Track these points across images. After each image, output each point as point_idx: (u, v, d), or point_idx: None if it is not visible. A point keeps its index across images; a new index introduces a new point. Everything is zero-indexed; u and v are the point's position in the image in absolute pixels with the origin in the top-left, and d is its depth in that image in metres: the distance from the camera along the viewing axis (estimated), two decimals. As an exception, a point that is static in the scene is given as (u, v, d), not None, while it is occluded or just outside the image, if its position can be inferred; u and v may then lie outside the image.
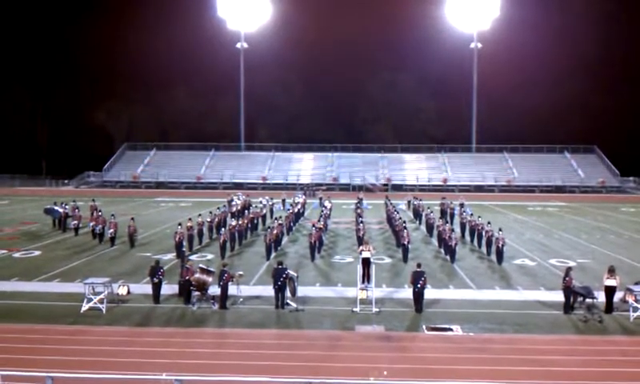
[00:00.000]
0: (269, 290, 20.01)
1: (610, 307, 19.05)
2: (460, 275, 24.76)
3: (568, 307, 18.88)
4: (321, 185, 73.65)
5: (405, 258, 27.37)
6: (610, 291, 19.19)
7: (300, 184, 75.14)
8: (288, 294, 19.53)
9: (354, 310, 18.94)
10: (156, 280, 19.81)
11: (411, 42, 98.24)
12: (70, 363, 14.43)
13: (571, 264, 25.00)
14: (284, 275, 19.24)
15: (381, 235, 36.18)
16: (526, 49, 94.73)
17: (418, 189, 73.49)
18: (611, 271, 19.40)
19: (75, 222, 35.16)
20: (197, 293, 19.66)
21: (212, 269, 20.46)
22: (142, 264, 25.64)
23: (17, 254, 28.88)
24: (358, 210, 38.94)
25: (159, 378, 12.72)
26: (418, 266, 19.64)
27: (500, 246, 26.78)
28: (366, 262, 21.60)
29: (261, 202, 42.60)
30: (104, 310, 18.62)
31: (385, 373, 14.13)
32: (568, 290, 18.88)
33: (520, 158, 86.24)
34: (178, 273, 21.77)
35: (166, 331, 17.10)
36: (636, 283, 20.06)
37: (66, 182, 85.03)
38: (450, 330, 17.28)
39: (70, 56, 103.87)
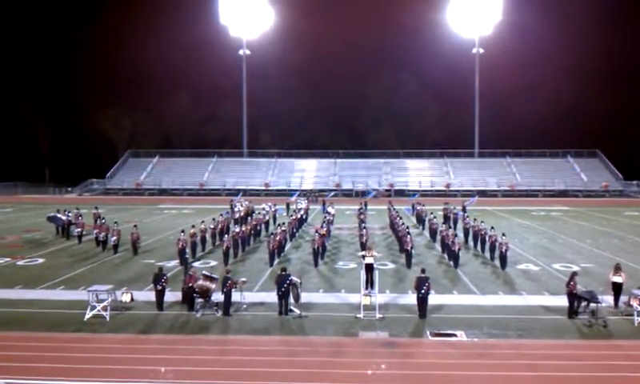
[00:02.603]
0: (272, 297, 19.97)
1: (617, 303, 19.82)
2: (464, 280, 24.71)
3: (572, 312, 18.83)
4: (323, 191, 73.66)
5: (408, 264, 27.33)
6: (616, 288, 19.98)
7: (302, 190, 75.15)
8: (291, 300, 19.50)
9: (358, 316, 18.90)
10: (159, 287, 19.80)
11: (413, 47, 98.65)
12: (74, 371, 14.44)
13: (575, 268, 24.98)
14: (287, 281, 19.21)
15: (384, 241, 36.13)
16: (527, 53, 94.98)
17: (421, 194, 73.40)
18: (617, 269, 20.23)
19: (78, 229, 35.19)
20: (200, 299, 19.65)
21: (215, 275, 20.44)
22: (146, 271, 25.65)
23: (20, 262, 28.92)
24: (361, 216, 38.92)
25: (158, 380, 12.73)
26: (422, 271, 19.58)
27: (503, 250, 26.74)
28: (370, 268, 21.58)
29: (264, 209, 42.59)
30: (108, 317, 18.61)
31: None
32: (572, 295, 18.83)
33: (523, 163, 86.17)
34: (181, 280, 21.81)
35: (170, 338, 17.08)
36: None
37: (69, 189, 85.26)
38: (455, 335, 17.24)
39: (73, 63, 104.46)
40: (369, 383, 13.97)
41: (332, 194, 60.00)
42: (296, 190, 66.95)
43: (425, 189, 78.21)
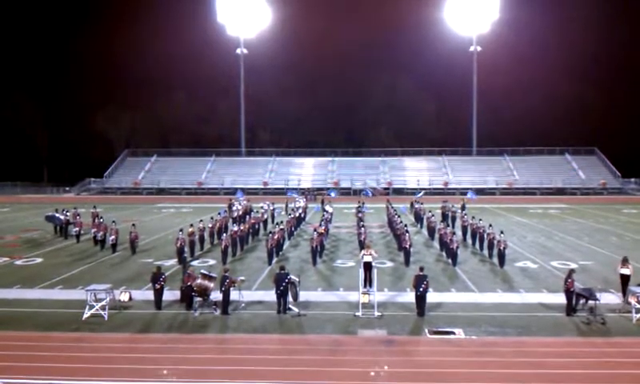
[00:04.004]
0: (271, 295, 19.99)
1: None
2: (462, 278, 24.73)
3: (570, 309, 18.86)
4: (321, 189, 73.61)
5: (406, 262, 27.34)
6: (624, 279, 20.68)
7: (301, 189, 75.04)
8: (290, 298, 19.52)
9: (356, 314, 18.91)
10: (158, 286, 19.79)
11: (411, 45, 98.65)
12: (72, 370, 14.44)
13: (573, 266, 24.99)
14: (286, 280, 19.22)
15: (382, 239, 36.14)
16: (525, 51, 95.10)
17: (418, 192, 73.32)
18: (625, 261, 20.85)
19: (76, 228, 35.16)
20: (198, 298, 19.65)
21: (214, 274, 20.45)
22: (144, 270, 25.63)
23: (18, 262, 28.88)
24: (360, 215, 38.90)
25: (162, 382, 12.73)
26: (420, 269, 19.59)
27: (502, 248, 26.76)
28: (368, 266, 21.58)
29: (262, 207, 42.58)
30: (106, 316, 18.60)
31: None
32: (570, 293, 18.87)
33: (521, 161, 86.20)
34: (179, 279, 21.81)
35: (168, 337, 17.07)
36: (638, 285, 20.04)
37: (67, 189, 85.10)
38: (453, 333, 17.26)
39: (71, 63, 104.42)
40: (368, 382, 13.98)
41: (333, 193, 59.67)
42: (292, 189, 66.77)
43: (423, 187, 78.09)
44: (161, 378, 13.97)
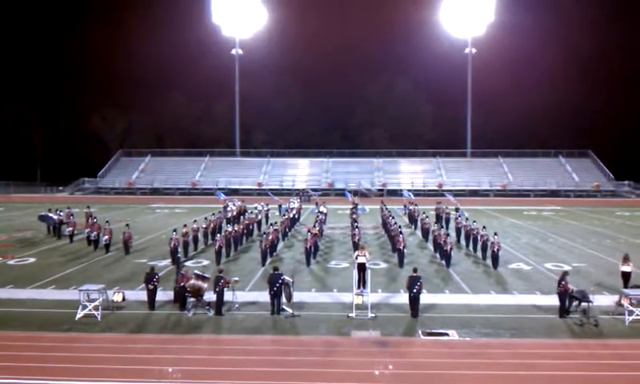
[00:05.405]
0: (264, 296, 19.96)
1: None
2: (456, 280, 24.76)
3: (564, 311, 18.91)
4: (315, 191, 73.50)
5: (400, 263, 27.36)
6: (626, 277, 21.50)
7: (295, 189, 74.96)
8: (284, 299, 19.48)
9: (350, 315, 18.90)
10: (151, 286, 19.74)
11: (406, 47, 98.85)
12: (65, 371, 14.37)
13: (567, 268, 25.07)
14: (280, 281, 19.20)
15: (376, 240, 36.16)
16: (520, 53, 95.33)
17: (414, 193, 73.31)
18: (626, 259, 21.50)
19: (70, 228, 35.02)
20: (192, 299, 19.62)
21: (207, 275, 20.40)
22: (138, 270, 25.55)
23: (11, 261, 28.74)
24: (354, 216, 38.92)
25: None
26: (414, 270, 19.61)
27: (495, 250, 26.83)
28: (362, 267, 21.59)
29: (256, 208, 42.53)
30: (99, 316, 18.53)
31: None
32: (563, 294, 18.91)
33: (515, 163, 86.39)
34: (173, 279, 21.75)
35: (162, 338, 17.02)
36: (632, 287, 20.12)
37: (60, 188, 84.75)
38: (446, 334, 17.28)
39: (66, 62, 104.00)
40: (362, 383, 13.98)
41: (311, 191, 59.54)
42: (271, 189, 66.63)
43: (417, 189, 78.15)
44: (153, 379, 13.92)
